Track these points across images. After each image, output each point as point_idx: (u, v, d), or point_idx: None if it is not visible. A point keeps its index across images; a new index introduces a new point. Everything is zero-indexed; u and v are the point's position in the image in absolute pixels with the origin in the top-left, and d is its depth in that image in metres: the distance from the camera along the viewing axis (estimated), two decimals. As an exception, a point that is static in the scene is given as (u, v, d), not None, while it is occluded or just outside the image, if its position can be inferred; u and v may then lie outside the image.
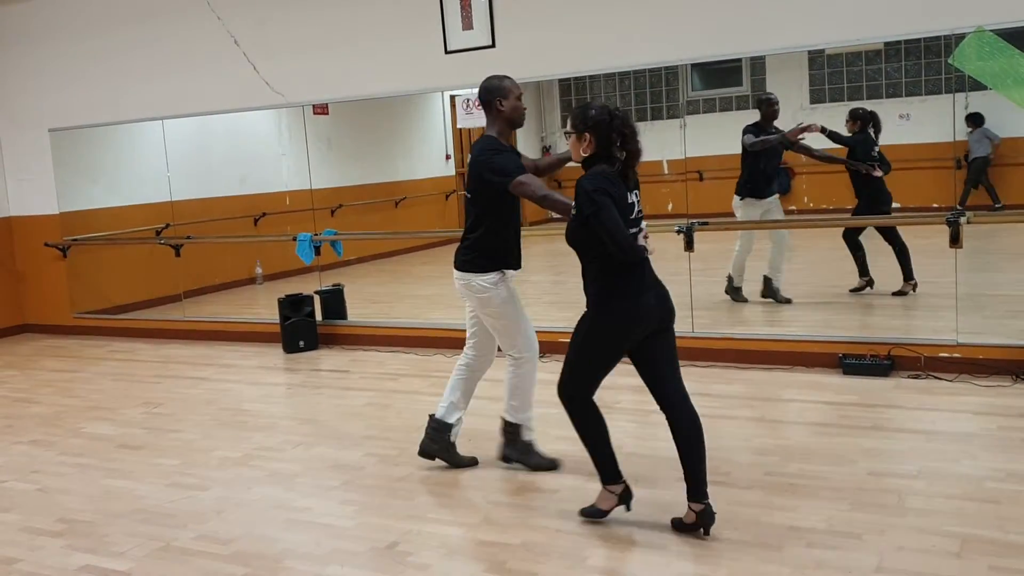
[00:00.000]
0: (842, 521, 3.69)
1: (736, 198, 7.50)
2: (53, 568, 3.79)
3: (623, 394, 5.85)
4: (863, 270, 7.47)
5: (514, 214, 4.40)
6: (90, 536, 4.09)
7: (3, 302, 9.40)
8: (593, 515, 3.85)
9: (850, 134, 7.40)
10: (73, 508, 4.45)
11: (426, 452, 4.62)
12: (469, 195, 4.38)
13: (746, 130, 7.38)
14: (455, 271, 4.40)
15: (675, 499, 4.04)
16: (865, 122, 7.39)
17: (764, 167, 7.42)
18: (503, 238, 4.35)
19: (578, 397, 3.77)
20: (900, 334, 6.01)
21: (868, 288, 7.46)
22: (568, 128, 3.71)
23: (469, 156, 4.41)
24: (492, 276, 4.32)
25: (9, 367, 7.98)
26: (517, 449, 4.54)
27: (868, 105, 8.88)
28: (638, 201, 3.69)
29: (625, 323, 3.63)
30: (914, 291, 7.28)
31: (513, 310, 4.41)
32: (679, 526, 3.69)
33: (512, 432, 4.55)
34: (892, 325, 6.71)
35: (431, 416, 4.64)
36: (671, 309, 3.76)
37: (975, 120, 8.22)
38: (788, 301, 7.42)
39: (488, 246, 4.32)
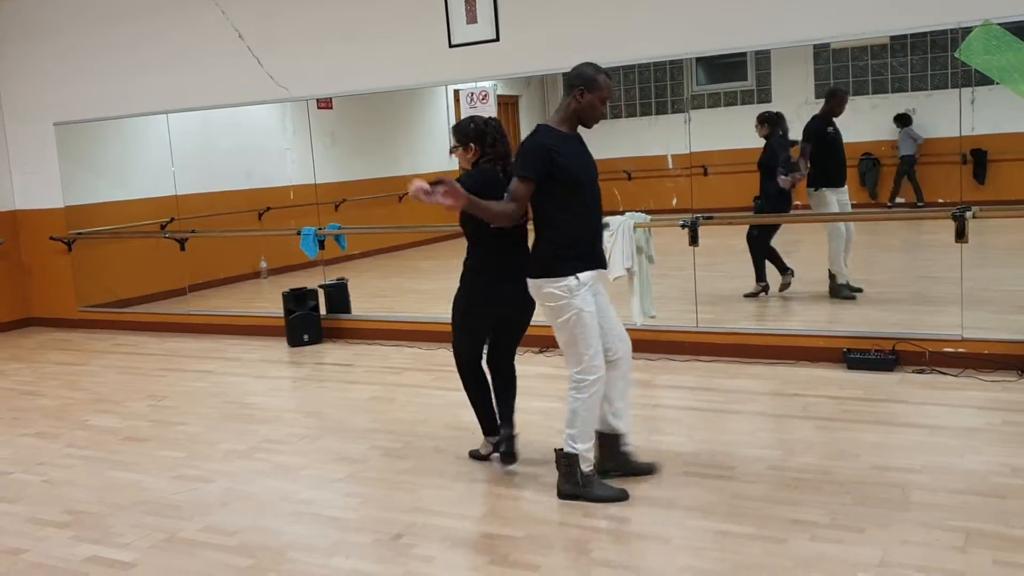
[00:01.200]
0: (845, 515, 3.69)
1: (810, 190, 7.26)
2: (59, 559, 3.81)
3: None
4: (783, 269, 7.49)
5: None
6: (96, 527, 4.11)
7: (9, 295, 9.42)
8: (475, 456, 4.63)
9: (762, 137, 7.43)
10: (79, 499, 4.47)
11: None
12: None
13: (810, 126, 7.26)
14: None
15: (679, 493, 4.06)
16: (773, 124, 7.40)
17: (834, 153, 7.22)
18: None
19: (466, 363, 4.49)
20: (905, 329, 6.00)
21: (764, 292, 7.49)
22: (453, 143, 4.39)
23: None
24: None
25: (15, 360, 8.00)
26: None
27: (874, 100, 8.88)
28: None
29: (482, 302, 4.32)
30: (766, 293, 7.49)
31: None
32: (477, 456, 4.60)
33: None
34: (897, 320, 6.70)
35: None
36: (529, 303, 4.24)
37: (902, 120, 8.46)
38: (857, 290, 7.29)
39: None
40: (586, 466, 4.02)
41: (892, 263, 7.40)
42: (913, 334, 5.87)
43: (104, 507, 4.34)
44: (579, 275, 3.90)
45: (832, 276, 7.29)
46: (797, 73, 9.07)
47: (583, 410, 3.97)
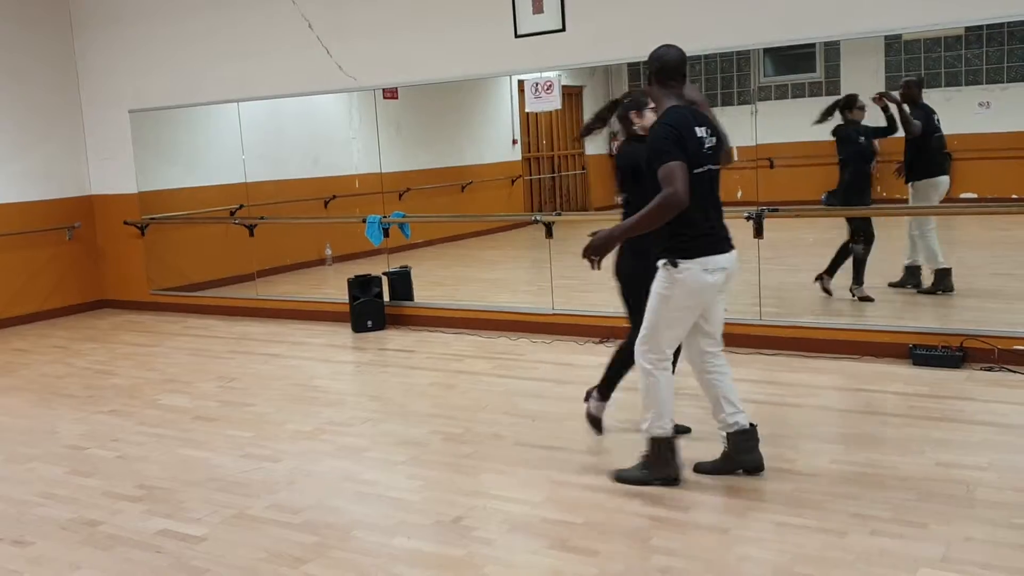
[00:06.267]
0: (908, 510, 3.66)
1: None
2: (133, 531, 3.95)
3: (686, 379, 5.86)
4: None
5: None
6: (167, 502, 4.25)
7: (84, 278, 9.73)
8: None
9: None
10: (151, 475, 4.63)
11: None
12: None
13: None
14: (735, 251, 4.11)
15: (739, 484, 4.06)
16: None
17: (930, 143, 7.02)
18: None
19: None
20: (973, 326, 5.88)
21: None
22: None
23: (710, 127, 4.00)
24: None
25: (90, 340, 8.27)
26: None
27: (947, 92, 8.68)
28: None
29: None
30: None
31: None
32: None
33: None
34: (965, 317, 6.57)
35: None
36: None
37: None
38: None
39: None
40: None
41: (962, 259, 7.23)
42: (982, 331, 5.76)
43: (175, 483, 4.49)
44: None
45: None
46: (867, 65, 8.91)
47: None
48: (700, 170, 3.89)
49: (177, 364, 7.13)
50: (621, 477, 4.14)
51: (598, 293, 8.96)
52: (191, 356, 7.41)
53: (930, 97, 8.45)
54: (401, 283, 8.20)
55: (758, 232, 6.25)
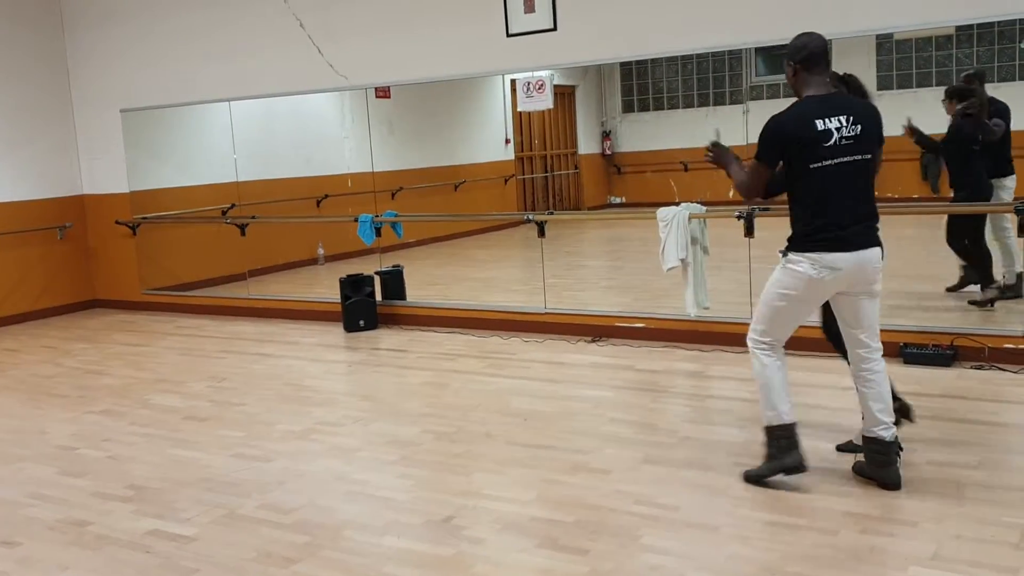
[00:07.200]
0: (898, 508, 3.67)
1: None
2: (123, 531, 3.94)
3: (678, 378, 5.87)
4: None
5: None
6: (158, 502, 4.24)
7: (75, 278, 9.70)
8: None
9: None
10: (142, 475, 4.61)
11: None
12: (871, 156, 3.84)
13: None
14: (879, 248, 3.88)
15: (729, 482, 4.06)
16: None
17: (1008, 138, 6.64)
18: None
19: None
20: (964, 324, 5.90)
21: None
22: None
23: (852, 115, 3.75)
24: None
25: (81, 340, 8.25)
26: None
27: (938, 92, 8.70)
28: None
29: None
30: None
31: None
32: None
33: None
34: (956, 316, 6.58)
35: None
36: None
37: None
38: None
39: None
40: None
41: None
42: (973, 329, 5.78)
43: (166, 483, 4.48)
44: None
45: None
46: (859, 64, 8.90)
47: None
48: (821, 164, 3.70)
49: (168, 364, 7.11)
50: (749, 477, 4.03)
51: (590, 292, 8.99)
52: (182, 356, 7.39)
53: (921, 96, 8.50)
54: (393, 282, 8.19)
55: (749, 231, 6.26)
